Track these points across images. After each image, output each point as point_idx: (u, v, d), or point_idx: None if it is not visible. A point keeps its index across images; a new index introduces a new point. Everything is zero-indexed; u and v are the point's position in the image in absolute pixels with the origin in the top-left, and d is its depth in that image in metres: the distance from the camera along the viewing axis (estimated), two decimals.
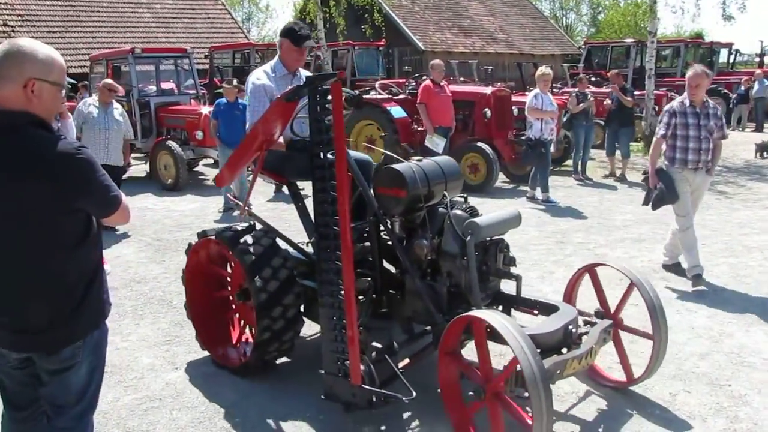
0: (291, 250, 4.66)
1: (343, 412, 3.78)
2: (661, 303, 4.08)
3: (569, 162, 13.02)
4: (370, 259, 4.35)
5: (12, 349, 2.64)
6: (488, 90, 12.08)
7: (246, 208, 4.52)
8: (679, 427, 3.92)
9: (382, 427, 3.89)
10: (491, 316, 3.37)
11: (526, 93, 15.13)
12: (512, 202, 10.37)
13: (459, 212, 4.09)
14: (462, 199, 4.33)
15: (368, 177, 4.41)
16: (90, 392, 2.79)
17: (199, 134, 12.17)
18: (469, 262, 3.84)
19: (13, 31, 23.75)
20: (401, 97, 12.82)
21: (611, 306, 4.32)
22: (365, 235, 4.35)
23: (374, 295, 4.28)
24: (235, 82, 10.85)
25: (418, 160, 4.25)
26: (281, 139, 4.33)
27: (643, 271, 4.45)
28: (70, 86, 3.35)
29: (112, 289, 6.49)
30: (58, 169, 2.42)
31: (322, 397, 3.79)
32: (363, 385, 3.52)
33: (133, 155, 12.38)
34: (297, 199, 4.77)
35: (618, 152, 12.52)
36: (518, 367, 3.14)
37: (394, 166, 4.06)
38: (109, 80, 9.45)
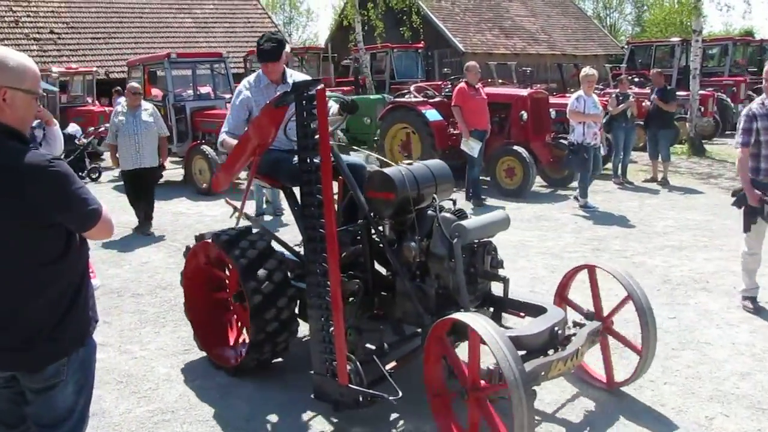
0: (286, 252, 4.73)
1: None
2: (651, 306, 4.04)
3: (609, 165, 12.64)
4: (362, 261, 4.37)
5: None
6: (525, 92, 11.79)
7: (242, 211, 4.61)
8: None
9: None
10: (471, 318, 3.37)
11: (567, 95, 14.84)
12: (550, 207, 10.10)
13: (447, 215, 4.09)
14: (451, 202, 4.33)
15: (362, 181, 4.40)
16: (77, 411, 2.68)
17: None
18: (456, 264, 3.86)
19: (59, 38, 24.28)
20: (437, 99, 12.60)
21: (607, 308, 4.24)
22: (358, 237, 4.39)
23: (366, 297, 4.30)
24: None
25: (408, 164, 4.26)
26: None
27: (633, 273, 4.39)
28: (47, 94, 3.27)
29: (136, 296, 6.57)
30: (29, 183, 2.31)
31: (312, 396, 3.84)
32: (350, 385, 3.60)
33: (168, 159, 12.43)
34: (292, 201, 4.71)
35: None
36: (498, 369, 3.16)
37: (384, 169, 4.11)
38: (133, 84, 9.51)
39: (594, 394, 4.27)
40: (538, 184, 11.67)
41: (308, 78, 4.47)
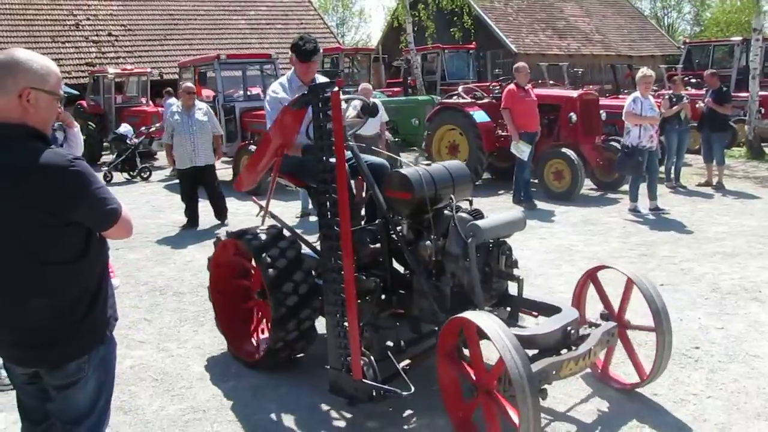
0: (310, 252, 4.84)
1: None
2: (664, 303, 4.02)
3: (662, 168, 12.27)
4: (381, 259, 4.45)
5: (18, 363, 2.60)
6: (574, 93, 11.56)
7: (267, 210, 4.76)
8: None
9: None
10: (479, 317, 3.41)
11: (620, 96, 14.51)
12: (598, 211, 9.87)
13: (463, 215, 4.10)
14: (467, 202, 4.36)
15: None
16: (99, 408, 2.71)
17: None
18: (470, 263, 3.89)
19: (116, 40, 24.91)
20: (485, 101, 12.46)
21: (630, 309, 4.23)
22: (378, 236, 4.48)
23: (383, 295, 4.37)
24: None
25: (427, 164, 4.36)
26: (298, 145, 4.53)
27: (646, 275, 4.31)
28: (66, 95, 3.36)
29: (178, 294, 6.65)
30: (50, 183, 2.33)
31: (329, 390, 3.93)
32: (364, 380, 3.68)
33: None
34: (316, 200, 4.71)
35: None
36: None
37: (401, 170, 4.20)
38: (188, 84, 9.68)
39: (610, 396, 4.24)
40: (587, 187, 11.43)
41: (325, 79, 4.68)
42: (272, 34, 28.34)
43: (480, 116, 11.89)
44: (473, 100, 12.48)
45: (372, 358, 3.76)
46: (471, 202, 4.38)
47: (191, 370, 4.83)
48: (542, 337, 3.66)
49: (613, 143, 11.33)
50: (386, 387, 3.68)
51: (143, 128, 15.85)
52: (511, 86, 10.27)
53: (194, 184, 9.41)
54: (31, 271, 2.43)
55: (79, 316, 2.54)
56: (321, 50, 4.91)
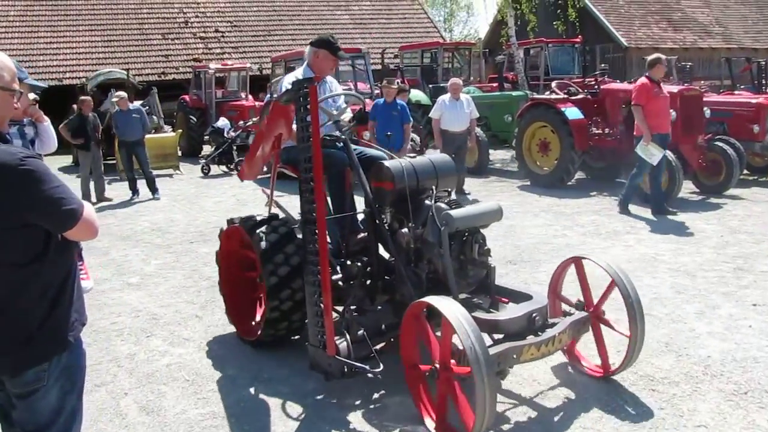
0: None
1: None
2: (639, 299, 4.10)
3: None
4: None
5: None
6: (674, 89, 10.70)
7: (273, 199, 5.11)
8: None
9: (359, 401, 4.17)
10: (439, 300, 3.58)
11: (735, 92, 13.42)
12: (695, 217, 9.07)
13: (441, 205, 4.25)
14: (445, 193, 4.50)
15: None
16: (62, 419, 2.54)
17: (366, 135, 12.13)
18: (443, 250, 4.06)
19: (222, 36, 25.61)
20: (579, 97, 11.80)
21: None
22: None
23: (369, 281, 4.60)
24: (397, 82, 10.61)
25: (412, 157, 4.72)
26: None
27: (624, 268, 4.34)
28: (38, 92, 3.31)
29: None
30: None
31: (309, 367, 4.20)
32: (337, 356, 3.92)
33: None
34: (330, 188, 4.96)
35: None
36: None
37: (384, 161, 4.45)
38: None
39: (579, 383, 4.32)
40: (688, 190, 10.59)
41: (333, 80, 5.24)
42: (375, 29, 28.34)
43: (572, 113, 11.28)
44: (566, 96, 11.85)
45: (348, 337, 4.03)
46: (450, 193, 4.54)
47: (225, 373, 4.69)
48: (506, 322, 3.82)
49: (718, 143, 10.45)
50: (356, 364, 3.91)
51: (241, 122, 16.14)
52: (644, 80, 9.22)
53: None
54: None
55: (36, 322, 2.38)
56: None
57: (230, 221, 5.09)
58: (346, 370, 3.94)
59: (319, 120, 3.89)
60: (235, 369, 4.74)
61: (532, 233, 8.28)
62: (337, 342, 3.97)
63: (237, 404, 4.22)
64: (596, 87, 11.86)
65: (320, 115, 4.27)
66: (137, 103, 14.55)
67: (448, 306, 3.48)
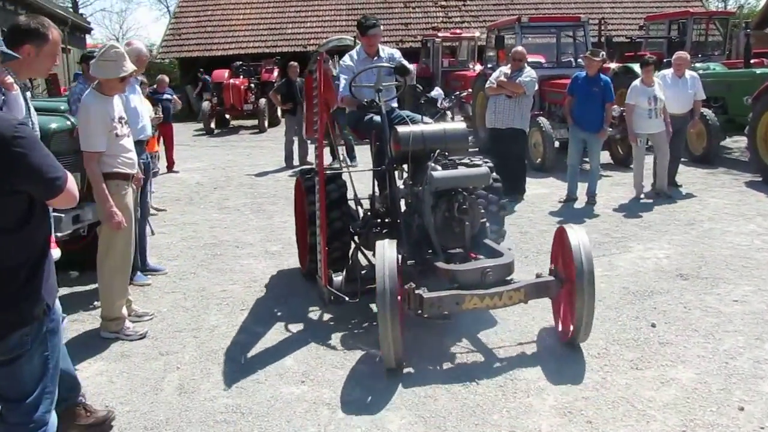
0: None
1: None
2: (592, 261, 4.14)
3: None
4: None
5: None
6: None
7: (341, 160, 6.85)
8: None
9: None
10: (380, 244, 4.09)
11: None
12: None
13: (436, 166, 4.60)
14: (443, 156, 4.76)
15: None
16: (43, 385, 2.63)
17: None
18: (425, 205, 4.60)
19: (464, 4, 25.13)
20: None
21: None
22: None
23: (386, 230, 5.32)
24: (603, 54, 9.37)
25: (427, 123, 5.28)
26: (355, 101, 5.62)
27: (584, 232, 4.32)
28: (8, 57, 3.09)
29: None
30: None
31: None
32: (327, 286, 4.77)
33: None
34: (371, 147, 5.75)
35: None
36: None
37: (400, 127, 5.01)
38: (518, 48, 9.40)
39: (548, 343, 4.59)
40: None
41: (395, 51, 5.96)
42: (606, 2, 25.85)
43: None
44: None
45: (344, 274, 4.95)
46: (445, 156, 4.75)
47: (283, 364, 4.33)
48: (460, 273, 4.22)
49: None
50: (337, 293, 4.74)
51: (456, 93, 15.66)
52: None
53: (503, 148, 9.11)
54: None
55: (19, 285, 2.45)
56: (380, 26, 5.86)
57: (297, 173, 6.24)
58: (332, 298, 4.74)
59: (354, 87, 5.47)
60: (294, 361, 4.38)
61: (731, 242, 6.80)
62: (334, 276, 4.85)
63: (267, 402, 3.85)
64: None
65: (361, 85, 5.50)
66: None
67: (380, 249, 4.03)
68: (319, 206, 4.88)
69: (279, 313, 5.22)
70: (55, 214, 5.10)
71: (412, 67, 5.68)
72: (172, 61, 28.00)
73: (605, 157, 11.27)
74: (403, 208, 5.22)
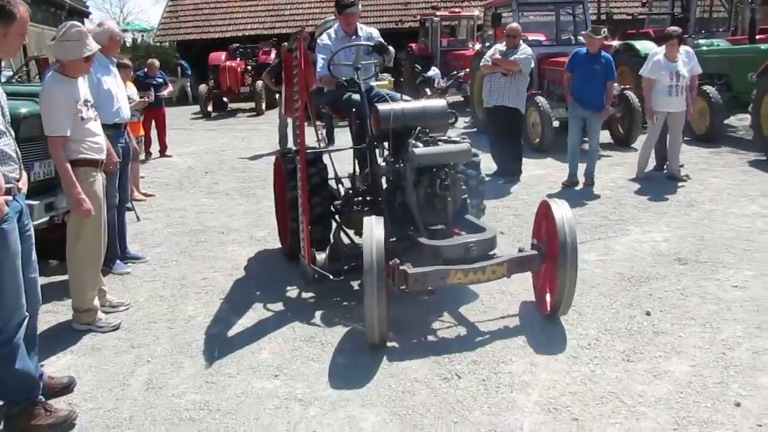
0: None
1: None
2: (575, 237, 4.20)
3: None
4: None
5: None
6: None
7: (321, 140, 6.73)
8: None
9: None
10: (367, 220, 4.13)
11: None
12: None
13: (417, 143, 4.59)
14: (424, 133, 4.75)
15: None
16: None
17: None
18: (406, 182, 4.62)
19: None
20: None
21: None
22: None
23: (367, 207, 5.25)
24: (603, 31, 9.07)
25: (407, 101, 5.20)
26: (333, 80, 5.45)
27: (566, 207, 4.39)
28: None
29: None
30: None
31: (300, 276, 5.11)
32: (311, 264, 4.75)
33: None
34: (350, 126, 5.61)
35: None
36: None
37: (379, 104, 4.97)
38: (512, 25, 9.19)
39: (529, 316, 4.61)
40: None
41: (372, 30, 5.90)
42: None
43: None
44: None
45: (328, 252, 4.90)
46: (426, 133, 4.73)
47: (257, 357, 4.14)
48: (444, 248, 4.25)
49: None
50: (321, 271, 4.70)
51: (453, 72, 15.37)
52: None
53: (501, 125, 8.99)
54: None
55: None
56: (358, 5, 5.70)
57: (278, 152, 6.19)
58: (315, 276, 4.71)
59: (332, 66, 5.38)
60: (271, 354, 4.18)
61: (732, 224, 6.55)
62: (317, 255, 4.79)
63: (236, 398, 3.66)
64: None
65: (339, 63, 5.43)
66: None
67: (368, 225, 4.06)
68: (300, 189, 4.84)
69: (258, 302, 5.02)
70: (28, 201, 4.92)
71: (391, 49, 5.59)
72: (171, 44, 27.69)
73: (605, 136, 11.00)
74: (384, 185, 5.17)
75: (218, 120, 18.58)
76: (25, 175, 3.51)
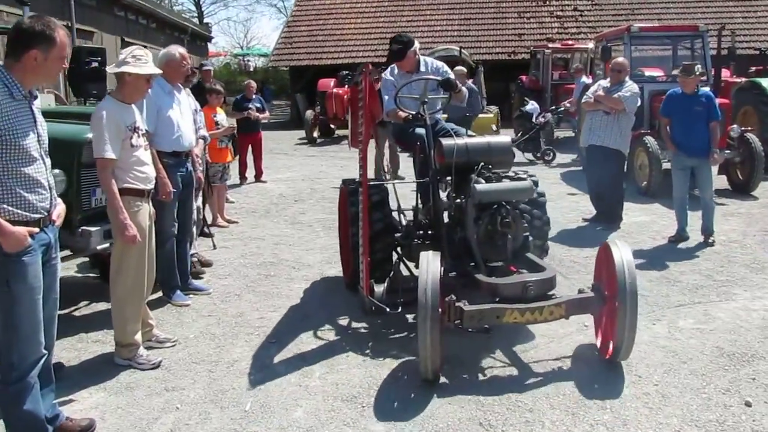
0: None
1: None
2: (635, 280, 4.09)
3: None
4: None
5: None
6: None
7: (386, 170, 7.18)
8: None
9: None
10: (424, 255, 4.10)
11: None
12: None
13: (480, 179, 4.58)
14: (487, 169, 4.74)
15: None
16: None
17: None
18: (467, 218, 4.63)
19: (581, 15, 23.98)
20: None
21: None
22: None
23: (429, 241, 5.20)
24: (698, 67, 8.11)
25: (472, 136, 5.35)
26: (400, 114, 5.43)
27: (628, 250, 4.24)
28: None
29: None
30: None
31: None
32: (368, 296, 4.77)
33: None
34: (413, 159, 5.80)
35: None
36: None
37: (444, 139, 4.95)
38: (618, 59, 8.68)
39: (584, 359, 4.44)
40: None
41: (441, 65, 5.92)
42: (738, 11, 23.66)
43: None
44: None
45: (386, 285, 4.92)
46: (489, 168, 4.75)
47: (290, 417, 3.79)
48: (502, 286, 4.21)
49: None
50: (378, 303, 4.72)
51: (552, 107, 14.74)
52: None
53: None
54: None
55: None
56: (413, 47, 5.63)
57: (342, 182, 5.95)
58: (372, 308, 4.73)
59: (398, 100, 5.35)
60: (304, 415, 3.82)
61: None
62: (376, 287, 4.85)
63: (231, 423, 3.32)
64: None
65: (406, 99, 5.40)
66: (468, 82, 14.02)
67: (424, 260, 4.03)
68: (362, 213, 4.86)
69: (308, 347, 4.70)
70: (86, 228, 4.85)
71: (464, 87, 5.68)
72: (285, 69, 28.38)
73: (722, 181, 10.07)
74: (446, 220, 5.16)
75: (321, 146, 18.68)
76: (61, 205, 3.36)
